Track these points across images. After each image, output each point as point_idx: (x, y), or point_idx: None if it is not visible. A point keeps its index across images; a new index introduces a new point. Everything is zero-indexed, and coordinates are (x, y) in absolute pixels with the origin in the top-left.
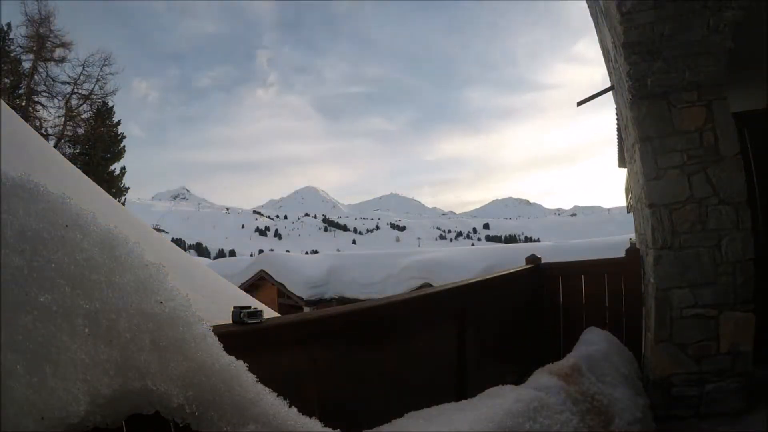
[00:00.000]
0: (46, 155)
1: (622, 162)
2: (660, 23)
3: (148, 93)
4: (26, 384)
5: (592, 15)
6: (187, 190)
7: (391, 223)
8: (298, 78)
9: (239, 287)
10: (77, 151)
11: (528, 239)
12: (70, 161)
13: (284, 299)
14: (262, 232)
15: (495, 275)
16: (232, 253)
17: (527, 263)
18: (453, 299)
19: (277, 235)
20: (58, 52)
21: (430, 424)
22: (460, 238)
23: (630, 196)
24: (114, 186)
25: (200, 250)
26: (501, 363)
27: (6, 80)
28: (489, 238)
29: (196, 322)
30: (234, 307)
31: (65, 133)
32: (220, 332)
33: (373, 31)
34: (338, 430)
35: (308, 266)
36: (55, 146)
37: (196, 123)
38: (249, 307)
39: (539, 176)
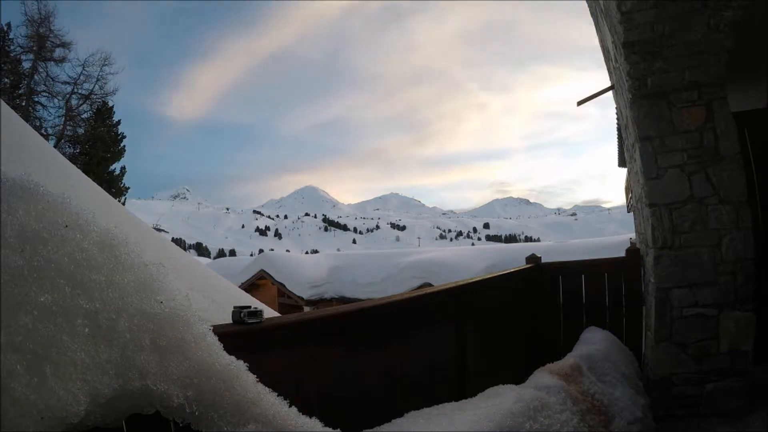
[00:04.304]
0: (46, 155)
1: (622, 161)
2: (660, 23)
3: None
4: (26, 384)
5: (592, 14)
6: (187, 190)
7: (391, 223)
8: None
9: (239, 287)
10: (77, 151)
11: (528, 239)
12: (70, 161)
13: (284, 299)
14: (262, 231)
15: (495, 275)
16: (232, 253)
17: (527, 263)
18: (453, 299)
19: (277, 234)
20: (58, 52)
21: (430, 423)
22: (460, 238)
23: (630, 195)
24: (114, 186)
25: (200, 249)
26: (501, 362)
27: (6, 80)
28: (489, 238)
29: (196, 322)
30: (234, 307)
31: (65, 133)
32: (220, 332)
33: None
34: (338, 430)
35: (308, 266)
36: (55, 146)
37: None
38: (249, 307)
39: (539, 174)
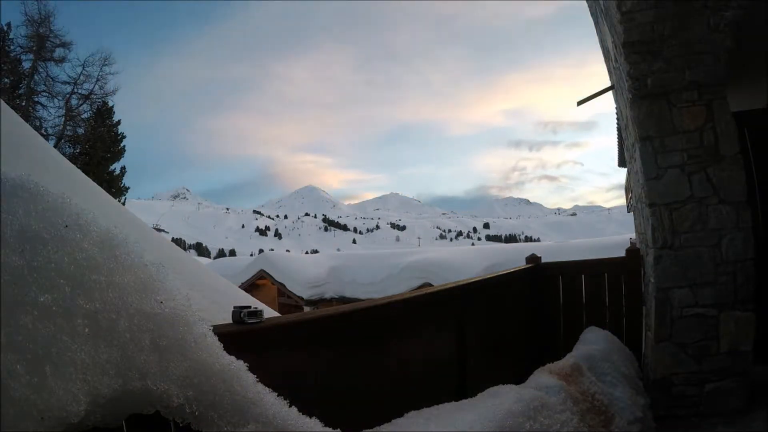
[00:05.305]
0: (46, 155)
1: (622, 161)
2: (660, 22)
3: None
4: (26, 384)
5: (592, 14)
6: (187, 190)
7: (391, 223)
8: None
9: (239, 287)
10: (77, 151)
11: (528, 239)
12: (70, 161)
13: (284, 299)
14: (262, 231)
15: (495, 275)
16: (232, 253)
17: (527, 263)
18: (453, 299)
19: (278, 234)
20: (58, 52)
21: (430, 423)
22: (460, 238)
23: (630, 195)
24: (114, 186)
25: (200, 249)
26: (501, 362)
27: (6, 80)
28: (489, 238)
29: (196, 322)
30: (234, 307)
31: (65, 133)
32: (220, 332)
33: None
34: (338, 430)
35: (308, 266)
36: (55, 146)
37: None
38: (249, 307)
39: (530, 187)
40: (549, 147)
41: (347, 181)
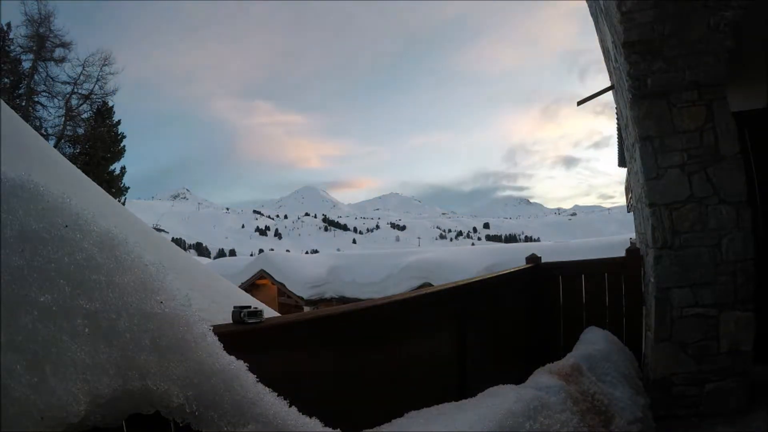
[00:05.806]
0: (46, 155)
1: (622, 161)
2: (660, 22)
3: None
4: (26, 384)
5: (592, 14)
6: (187, 190)
7: (391, 223)
8: None
9: (239, 287)
10: (77, 151)
11: (528, 239)
12: (70, 161)
13: (284, 299)
14: (262, 231)
15: (495, 275)
16: (232, 253)
17: (527, 263)
18: (453, 299)
19: (277, 234)
20: (58, 52)
21: (430, 423)
22: (460, 238)
23: (630, 195)
24: (114, 186)
25: (200, 249)
26: (501, 362)
27: (6, 80)
28: (489, 238)
29: (196, 322)
30: (234, 307)
31: (65, 133)
32: (220, 332)
33: None
34: (338, 430)
35: (308, 266)
36: (55, 146)
37: None
38: (249, 307)
39: (540, 176)
40: (568, 113)
41: (331, 158)
